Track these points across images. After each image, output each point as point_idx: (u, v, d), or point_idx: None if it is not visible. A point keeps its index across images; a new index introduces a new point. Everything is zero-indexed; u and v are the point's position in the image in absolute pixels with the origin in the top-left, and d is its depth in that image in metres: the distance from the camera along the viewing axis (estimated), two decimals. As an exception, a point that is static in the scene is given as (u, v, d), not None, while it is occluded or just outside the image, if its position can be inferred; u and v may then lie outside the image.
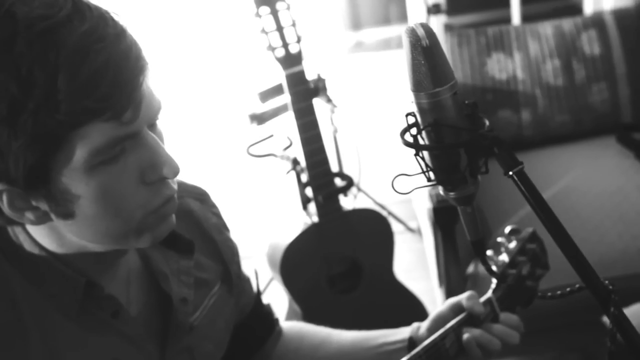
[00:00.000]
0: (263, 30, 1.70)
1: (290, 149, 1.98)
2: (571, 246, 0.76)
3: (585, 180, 2.30)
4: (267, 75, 2.08)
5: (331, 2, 2.78)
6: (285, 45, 1.72)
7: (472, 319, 1.13)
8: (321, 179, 1.82)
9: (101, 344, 0.88)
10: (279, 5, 1.70)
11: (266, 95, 2.04)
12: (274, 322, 1.25)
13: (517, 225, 1.27)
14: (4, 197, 0.77)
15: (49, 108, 0.69)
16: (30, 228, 0.84)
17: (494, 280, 1.21)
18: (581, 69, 2.60)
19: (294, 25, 1.73)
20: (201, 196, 1.12)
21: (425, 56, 0.77)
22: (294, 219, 1.99)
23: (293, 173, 1.97)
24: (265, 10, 1.69)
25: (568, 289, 0.94)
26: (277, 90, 2.01)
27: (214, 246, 1.09)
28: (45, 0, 0.71)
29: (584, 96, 2.60)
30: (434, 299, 2.34)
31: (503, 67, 2.59)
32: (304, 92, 1.76)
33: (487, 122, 0.82)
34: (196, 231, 1.06)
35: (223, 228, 1.13)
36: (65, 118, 0.70)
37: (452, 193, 0.87)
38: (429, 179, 0.87)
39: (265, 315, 1.23)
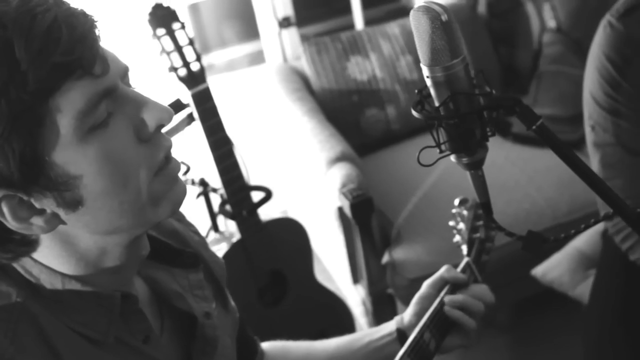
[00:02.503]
0: (163, 51, 1.67)
1: (189, 173, 1.94)
2: (599, 182, 0.83)
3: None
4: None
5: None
6: (186, 64, 1.70)
7: (457, 289, 1.18)
8: (239, 194, 1.80)
9: None
10: (174, 25, 1.68)
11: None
12: (257, 343, 1.22)
13: (463, 196, 1.36)
14: (5, 208, 0.70)
15: (16, 82, 0.65)
16: (41, 256, 0.78)
17: (464, 248, 1.29)
18: (431, 61, 2.79)
19: (191, 43, 1.71)
20: (178, 215, 1.08)
21: (445, 30, 0.81)
22: (210, 240, 1.96)
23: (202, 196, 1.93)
24: (161, 31, 1.66)
25: (592, 221, 0.98)
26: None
27: (203, 264, 1.06)
28: None
29: (438, 86, 2.79)
30: (345, 298, 2.39)
31: (362, 68, 2.72)
32: (212, 109, 1.74)
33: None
34: None
35: (207, 245, 1.10)
36: (37, 86, 0.66)
37: (465, 159, 0.92)
38: (441, 151, 0.92)
39: (248, 336, 1.21)
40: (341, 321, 2.11)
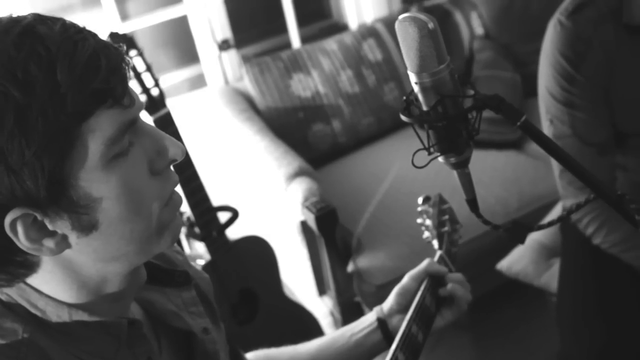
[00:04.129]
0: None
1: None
2: (581, 169, 0.90)
3: (409, 169, 2.56)
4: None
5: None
6: (145, 90, 1.71)
7: (436, 280, 1.24)
8: (206, 215, 1.82)
9: None
10: (131, 53, 1.69)
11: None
12: (242, 355, 1.24)
13: (426, 194, 1.42)
14: (20, 227, 0.71)
15: (55, 103, 0.67)
16: (42, 282, 0.78)
17: (435, 242, 1.34)
18: (371, 74, 2.88)
19: (149, 70, 1.72)
20: None
21: (432, 38, 0.86)
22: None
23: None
24: (118, 59, 1.67)
25: (575, 205, 1.03)
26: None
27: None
28: (5, 16, 0.71)
29: (379, 97, 2.88)
30: (312, 311, 2.41)
31: (305, 85, 2.77)
32: (174, 134, 1.75)
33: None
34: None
35: (190, 263, 1.12)
36: (74, 109, 0.68)
37: (454, 159, 0.98)
38: (430, 153, 0.97)
39: (235, 350, 1.23)
40: (311, 334, 2.14)
